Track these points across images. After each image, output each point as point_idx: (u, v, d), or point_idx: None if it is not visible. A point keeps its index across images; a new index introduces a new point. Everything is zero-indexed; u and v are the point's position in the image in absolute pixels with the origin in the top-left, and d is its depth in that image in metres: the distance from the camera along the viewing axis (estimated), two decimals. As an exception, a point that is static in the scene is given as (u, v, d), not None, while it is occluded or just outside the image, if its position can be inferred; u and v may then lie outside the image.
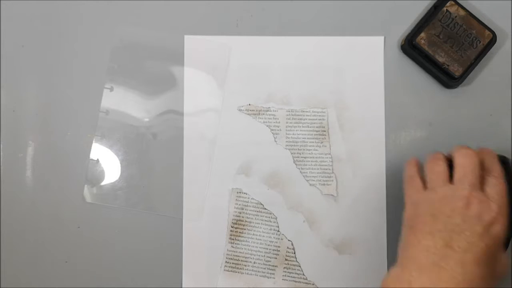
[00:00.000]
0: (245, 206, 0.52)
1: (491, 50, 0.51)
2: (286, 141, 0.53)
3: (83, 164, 0.53)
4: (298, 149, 0.53)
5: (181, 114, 0.53)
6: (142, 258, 0.53)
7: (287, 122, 0.53)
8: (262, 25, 0.53)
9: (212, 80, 0.53)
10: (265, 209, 0.52)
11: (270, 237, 0.52)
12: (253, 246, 0.52)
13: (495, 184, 0.42)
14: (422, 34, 0.51)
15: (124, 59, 0.54)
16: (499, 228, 0.40)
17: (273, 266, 0.52)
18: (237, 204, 0.52)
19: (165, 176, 0.53)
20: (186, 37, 0.53)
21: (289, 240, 0.52)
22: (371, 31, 0.53)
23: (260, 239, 0.52)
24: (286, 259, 0.52)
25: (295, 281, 0.52)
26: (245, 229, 0.52)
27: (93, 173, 0.53)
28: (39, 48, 0.54)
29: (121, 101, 0.53)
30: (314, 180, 0.52)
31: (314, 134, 0.53)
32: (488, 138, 0.52)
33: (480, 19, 0.51)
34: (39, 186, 0.53)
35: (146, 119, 0.53)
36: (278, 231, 0.52)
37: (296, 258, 0.52)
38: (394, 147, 0.52)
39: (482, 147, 0.45)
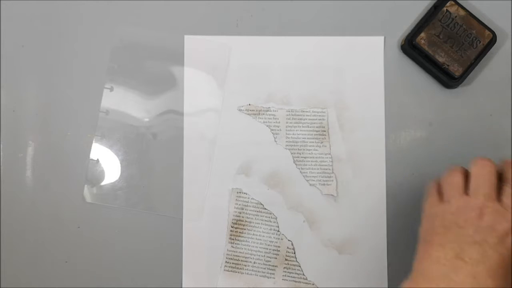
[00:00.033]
0: (245, 206, 0.52)
1: (491, 50, 0.51)
2: (286, 141, 0.53)
3: (83, 164, 0.53)
4: (298, 149, 0.53)
5: (181, 114, 0.53)
6: (142, 258, 0.53)
7: (287, 122, 0.53)
8: (262, 25, 0.53)
9: (212, 80, 0.53)
10: (265, 209, 0.52)
11: (270, 237, 0.52)
12: (253, 246, 0.52)
13: None
14: (422, 34, 0.51)
15: (124, 59, 0.54)
16: None
17: (273, 266, 0.52)
18: (237, 204, 0.52)
19: (165, 176, 0.53)
20: (186, 37, 0.53)
21: (289, 240, 0.52)
22: (371, 31, 0.53)
23: (260, 239, 0.52)
24: (286, 259, 0.52)
25: (295, 281, 0.52)
26: (245, 229, 0.52)
27: (93, 173, 0.53)
28: (39, 48, 0.54)
29: (121, 101, 0.53)
30: (314, 180, 0.52)
31: (314, 134, 0.53)
32: (488, 138, 0.52)
33: (480, 19, 0.51)
34: (39, 186, 0.53)
35: (146, 119, 0.53)
36: (278, 231, 0.52)
37: (296, 258, 0.52)
38: (394, 147, 0.52)
39: (507, 159, 0.42)
